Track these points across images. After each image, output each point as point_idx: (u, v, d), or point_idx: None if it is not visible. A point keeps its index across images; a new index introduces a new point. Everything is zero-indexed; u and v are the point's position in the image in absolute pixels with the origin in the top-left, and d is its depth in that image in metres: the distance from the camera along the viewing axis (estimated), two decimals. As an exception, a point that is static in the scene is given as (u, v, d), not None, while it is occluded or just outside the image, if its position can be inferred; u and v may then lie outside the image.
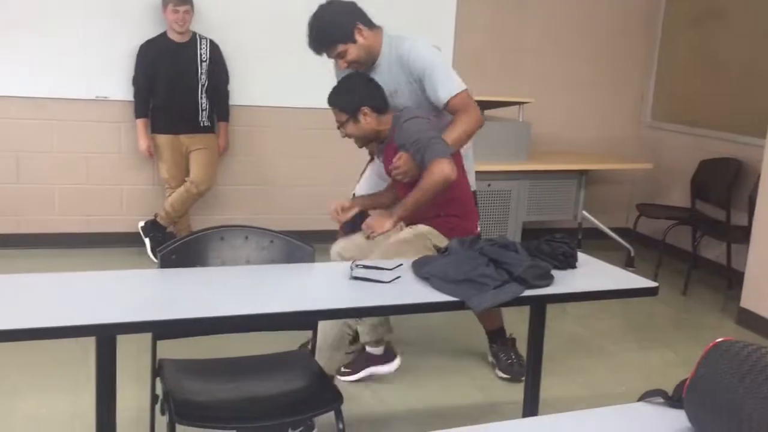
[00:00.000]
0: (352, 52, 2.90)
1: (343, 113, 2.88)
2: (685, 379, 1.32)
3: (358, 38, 2.90)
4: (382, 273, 2.15)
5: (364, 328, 3.02)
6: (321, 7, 2.93)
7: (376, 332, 3.04)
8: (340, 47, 2.89)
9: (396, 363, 3.16)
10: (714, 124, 5.23)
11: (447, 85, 2.89)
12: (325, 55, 2.97)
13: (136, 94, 4.70)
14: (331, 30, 2.88)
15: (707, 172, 5.05)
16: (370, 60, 2.96)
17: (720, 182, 4.86)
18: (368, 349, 3.12)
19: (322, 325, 2.84)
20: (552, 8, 5.60)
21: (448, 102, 2.90)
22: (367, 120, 2.86)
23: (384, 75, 2.97)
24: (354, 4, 2.97)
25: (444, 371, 3.42)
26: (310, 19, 2.91)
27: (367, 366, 3.16)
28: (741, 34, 5.01)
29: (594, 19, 5.71)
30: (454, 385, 3.30)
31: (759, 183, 4.13)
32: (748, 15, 4.94)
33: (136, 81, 4.68)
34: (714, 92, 5.28)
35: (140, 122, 4.71)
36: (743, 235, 4.37)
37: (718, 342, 1.26)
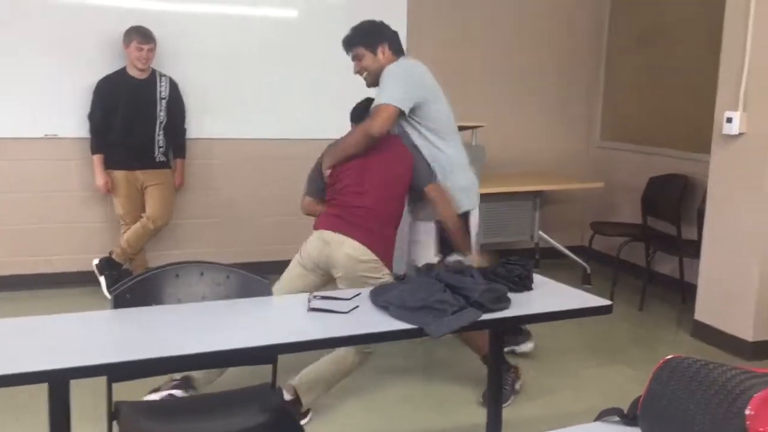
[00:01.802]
0: (368, 60, 3.21)
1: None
2: (640, 397, 1.34)
3: (379, 54, 3.21)
4: (340, 303, 2.15)
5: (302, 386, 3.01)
6: (371, 20, 3.31)
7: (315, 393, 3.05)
8: (361, 50, 3.21)
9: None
10: (661, 141, 5.38)
11: (379, 95, 3.09)
12: (350, 55, 3.27)
13: (92, 130, 4.64)
14: (363, 34, 3.23)
15: (657, 188, 5.18)
16: (375, 74, 3.22)
17: (669, 198, 4.99)
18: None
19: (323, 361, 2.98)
20: (499, 33, 5.72)
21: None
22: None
23: None
24: (396, 33, 3.30)
25: (408, 396, 3.42)
26: (359, 23, 3.30)
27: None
28: (683, 53, 5.17)
29: (541, 43, 5.85)
30: (419, 409, 3.29)
31: (706, 197, 4.25)
32: (690, 34, 5.12)
33: (92, 116, 4.63)
34: (659, 110, 5.44)
35: (97, 158, 4.65)
36: (694, 249, 4.48)
37: (668, 359, 1.29)
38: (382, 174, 3.05)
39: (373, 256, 2.95)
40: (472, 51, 5.64)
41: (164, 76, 4.72)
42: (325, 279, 3.10)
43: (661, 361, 1.29)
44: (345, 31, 3.27)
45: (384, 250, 3.00)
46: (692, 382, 1.21)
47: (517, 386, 3.40)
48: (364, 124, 3.04)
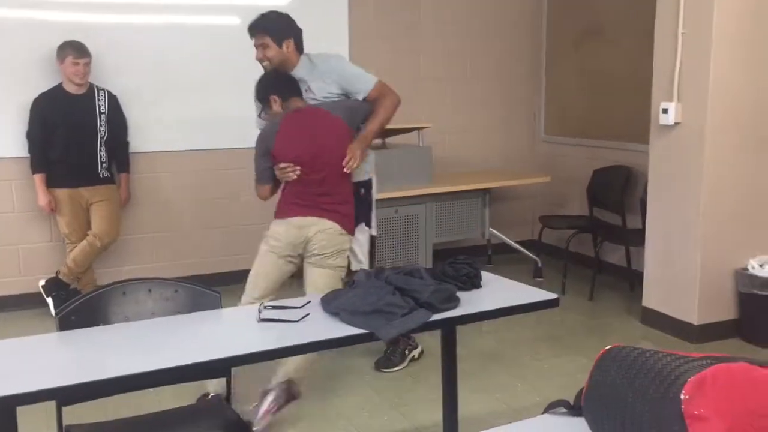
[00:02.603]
0: (272, 51, 3.31)
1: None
2: (583, 388, 1.38)
3: (284, 47, 3.32)
4: (291, 312, 2.15)
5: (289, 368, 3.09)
6: (280, 12, 3.40)
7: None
8: (267, 40, 3.30)
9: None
10: (603, 134, 5.50)
11: (364, 80, 3.36)
12: (251, 38, 3.33)
13: (32, 149, 4.53)
14: (272, 24, 3.32)
15: (601, 180, 5.30)
16: (279, 68, 3.34)
17: (613, 189, 5.11)
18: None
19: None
20: (442, 35, 5.78)
21: (368, 94, 3.34)
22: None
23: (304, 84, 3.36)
24: (301, 31, 3.41)
25: (365, 399, 3.43)
26: (270, 11, 3.38)
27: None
28: (619, 50, 5.31)
29: (483, 43, 5.92)
30: (377, 411, 3.31)
31: (647, 187, 4.37)
32: (623, 32, 5.25)
33: (30, 134, 4.52)
34: (600, 105, 5.56)
35: (38, 177, 4.54)
36: (639, 237, 4.59)
37: (607, 349, 1.32)
38: (333, 155, 3.19)
39: (345, 238, 3.25)
40: (415, 53, 5.69)
41: (102, 89, 4.63)
42: (297, 264, 3.27)
43: (602, 351, 1.33)
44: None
45: (351, 226, 3.30)
46: (630, 370, 1.25)
47: (414, 353, 3.74)
48: (394, 97, 3.36)
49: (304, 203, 3.19)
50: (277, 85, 3.25)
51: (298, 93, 3.27)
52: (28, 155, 4.54)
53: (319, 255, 3.19)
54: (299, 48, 3.39)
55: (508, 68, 6.06)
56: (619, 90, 5.35)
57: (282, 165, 3.15)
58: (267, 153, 3.19)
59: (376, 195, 3.64)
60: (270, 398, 3.03)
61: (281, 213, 3.24)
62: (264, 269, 3.23)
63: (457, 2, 5.79)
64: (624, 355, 1.28)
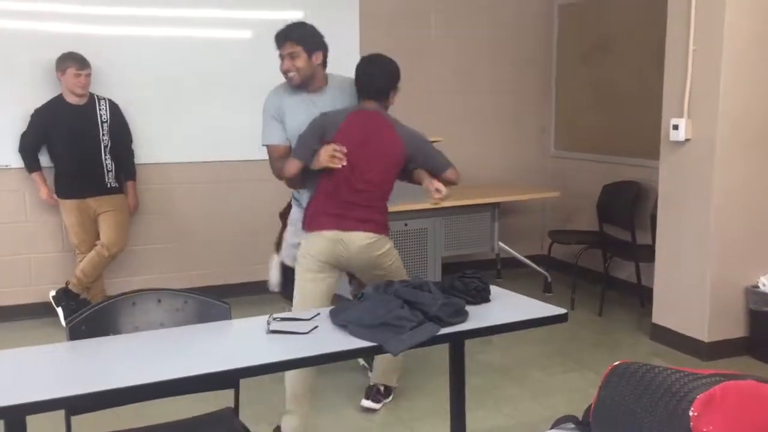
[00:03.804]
0: (302, 61, 3.13)
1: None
2: (592, 403, 1.38)
3: (314, 58, 3.16)
4: (300, 324, 2.16)
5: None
6: (312, 24, 3.24)
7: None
8: (299, 49, 3.12)
9: None
10: (613, 150, 5.50)
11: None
12: (278, 47, 3.16)
13: (22, 150, 4.59)
14: (308, 35, 3.16)
15: (610, 195, 5.28)
16: (306, 81, 3.18)
17: (623, 204, 5.09)
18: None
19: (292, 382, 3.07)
20: (453, 49, 5.80)
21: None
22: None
23: (327, 101, 3.22)
24: (328, 47, 3.27)
25: (372, 411, 3.42)
26: (299, 21, 3.26)
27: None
28: (629, 66, 5.31)
29: (495, 57, 5.95)
30: (384, 424, 3.30)
31: (657, 203, 4.36)
32: (633, 47, 5.26)
33: (24, 141, 4.58)
34: (610, 120, 5.56)
35: (35, 175, 4.62)
36: (649, 253, 4.58)
37: (615, 365, 1.32)
38: (377, 168, 3.08)
39: (385, 239, 3.12)
40: (425, 67, 5.71)
41: (103, 99, 4.66)
42: (339, 274, 3.19)
43: (609, 368, 1.33)
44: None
45: (387, 229, 3.17)
46: (639, 386, 1.25)
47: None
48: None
49: (337, 212, 3.04)
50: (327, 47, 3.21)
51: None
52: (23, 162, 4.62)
53: (363, 269, 3.14)
54: (325, 64, 3.24)
55: (518, 83, 6.08)
56: (629, 106, 5.35)
57: (334, 146, 2.94)
58: (321, 137, 3.02)
59: None
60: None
61: (314, 225, 3.08)
62: (308, 291, 3.09)
63: (468, 17, 5.82)
64: (632, 372, 1.28)
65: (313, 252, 3.06)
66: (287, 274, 3.40)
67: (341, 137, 3.00)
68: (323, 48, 3.19)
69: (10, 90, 4.64)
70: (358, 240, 3.03)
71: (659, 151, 4.28)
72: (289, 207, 3.53)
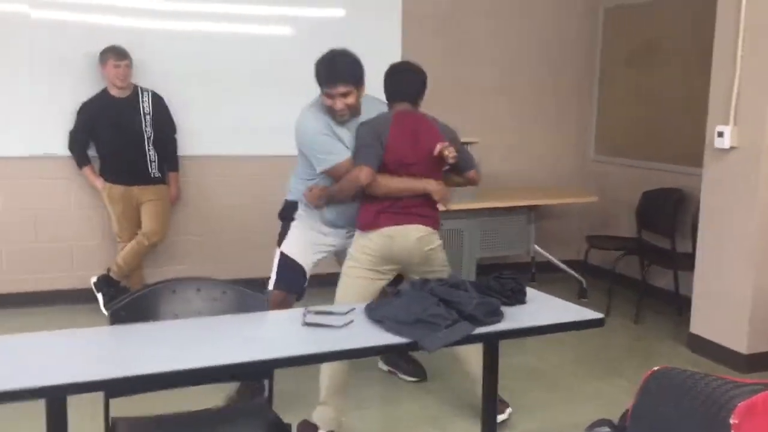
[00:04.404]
0: (353, 97, 3.05)
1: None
2: (629, 408, 1.37)
3: (361, 89, 3.08)
4: (335, 318, 2.17)
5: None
6: (344, 49, 3.06)
7: None
8: (351, 88, 3.02)
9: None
10: (654, 155, 5.42)
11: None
12: (329, 86, 3.01)
13: (72, 146, 4.70)
14: (357, 68, 3.05)
15: (651, 202, 5.21)
16: (353, 114, 3.11)
17: (663, 212, 5.01)
18: None
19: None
20: (493, 50, 5.77)
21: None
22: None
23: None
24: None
25: (404, 412, 3.43)
26: (332, 54, 3.04)
27: None
28: (675, 69, 5.23)
29: (536, 59, 5.90)
30: (415, 425, 3.30)
31: (699, 210, 4.28)
32: (679, 52, 5.17)
33: (72, 135, 4.69)
34: (652, 126, 5.48)
35: (86, 169, 4.73)
36: (689, 262, 4.50)
37: (655, 370, 1.31)
38: (429, 166, 3.11)
39: (436, 234, 3.17)
40: (466, 68, 5.69)
41: (146, 90, 4.74)
42: (390, 279, 3.19)
43: (649, 372, 1.32)
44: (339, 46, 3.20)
45: (439, 225, 3.23)
46: (679, 392, 1.23)
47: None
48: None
49: (395, 211, 3.08)
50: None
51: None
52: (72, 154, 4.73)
53: (418, 265, 3.13)
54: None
55: (560, 85, 6.02)
56: (672, 111, 5.26)
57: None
58: (379, 139, 3.03)
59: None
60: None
61: (373, 224, 3.08)
62: (359, 289, 3.08)
63: (510, 18, 5.78)
64: (672, 377, 1.26)
65: (371, 249, 3.08)
66: (285, 267, 3.38)
67: (396, 138, 3.04)
68: (364, 79, 3.10)
69: (59, 81, 4.73)
70: (415, 232, 3.08)
71: (702, 158, 4.21)
72: (286, 207, 3.51)
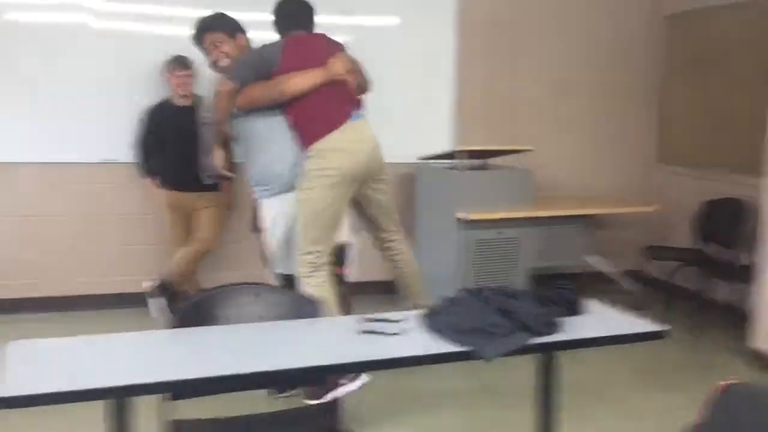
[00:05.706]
0: (227, 46, 3.51)
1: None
2: (692, 424, 1.33)
3: (239, 38, 3.53)
4: (390, 325, 2.17)
5: None
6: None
7: None
8: (219, 35, 3.51)
9: (362, 378, 3.14)
10: (715, 165, 5.28)
11: None
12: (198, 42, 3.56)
13: (137, 159, 4.81)
14: (218, 21, 3.57)
15: (711, 212, 5.08)
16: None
17: (724, 222, 4.89)
18: None
19: None
20: (551, 56, 5.71)
21: None
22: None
23: None
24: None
25: (458, 422, 3.40)
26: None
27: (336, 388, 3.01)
28: (738, 76, 5.09)
29: (595, 65, 5.81)
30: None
31: (760, 222, 4.16)
32: (740, 60, 5.04)
33: (136, 147, 4.79)
34: (714, 135, 5.34)
35: (149, 181, 4.83)
36: (749, 274, 4.37)
37: (728, 383, 1.27)
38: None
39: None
40: (523, 74, 5.64)
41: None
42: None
43: (722, 386, 1.28)
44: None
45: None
46: (755, 407, 1.19)
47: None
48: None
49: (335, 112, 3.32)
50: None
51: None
52: (135, 162, 4.84)
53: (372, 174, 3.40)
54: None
55: (619, 93, 5.91)
56: (734, 120, 5.12)
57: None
58: (265, 64, 3.29)
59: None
60: None
61: (324, 128, 3.31)
62: (333, 210, 3.37)
63: (567, 23, 5.72)
64: (751, 392, 1.22)
65: (336, 163, 3.32)
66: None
67: (289, 60, 3.27)
68: (240, 28, 3.52)
69: (126, 90, 4.86)
70: (369, 130, 3.33)
71: (764, 168, 4.08)
72: (255, 217, 3.56)
